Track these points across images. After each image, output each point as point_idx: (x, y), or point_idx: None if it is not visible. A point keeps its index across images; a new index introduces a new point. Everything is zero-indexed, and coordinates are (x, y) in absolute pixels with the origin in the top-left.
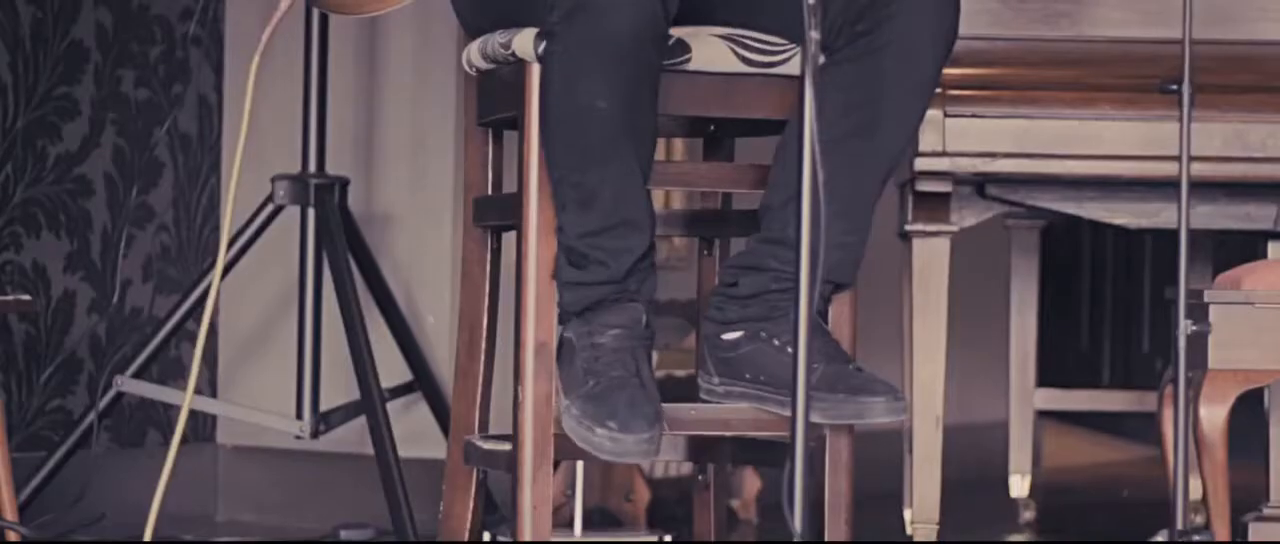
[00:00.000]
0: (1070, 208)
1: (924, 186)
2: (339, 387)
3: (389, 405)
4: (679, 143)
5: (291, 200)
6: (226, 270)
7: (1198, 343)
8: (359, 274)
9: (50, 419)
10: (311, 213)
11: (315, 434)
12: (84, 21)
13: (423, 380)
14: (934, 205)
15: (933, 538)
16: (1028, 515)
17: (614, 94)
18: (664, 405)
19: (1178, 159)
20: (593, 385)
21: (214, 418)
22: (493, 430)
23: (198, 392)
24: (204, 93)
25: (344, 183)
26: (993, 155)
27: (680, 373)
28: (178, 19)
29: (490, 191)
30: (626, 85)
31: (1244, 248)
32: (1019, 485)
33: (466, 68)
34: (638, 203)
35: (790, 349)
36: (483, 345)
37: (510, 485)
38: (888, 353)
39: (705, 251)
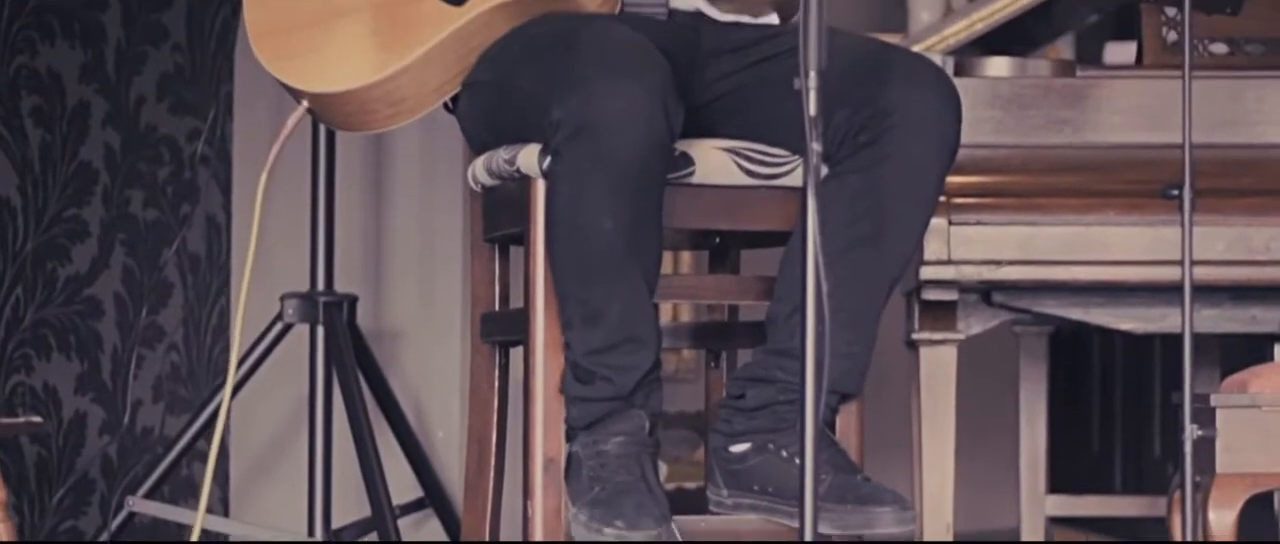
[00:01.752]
0: (1077, 314)
1: (930, 295)
2: (350, 503)
3: (400, 522)
4: (685, 255)
5: (300, 318)
6: (237, 389)
7: (1205, 447)
8: (368, 390)
9: (64, 540)
10: (320, 330)
11: None
12: (92, 143)
13: (433, 496)
14: (940, 313)
15: None
16: None
17: (620, 213)
18: (674, 517)
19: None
20: (599, 491)
21: (227, 537)
22: None
23: (210, 511)
24: (212, 212)
25: (352, 300)
26: (998, 263)
27: (690, 485)
28: (185, 139)
29: (497, 307)
30: (632, 204)
31: (1250, 351)
32: None
33: (472, 184)
34: (644, 319)
35: (798, 460)
36: (492, 460)
37: None
38: (896, 462)
39: (712, 363)
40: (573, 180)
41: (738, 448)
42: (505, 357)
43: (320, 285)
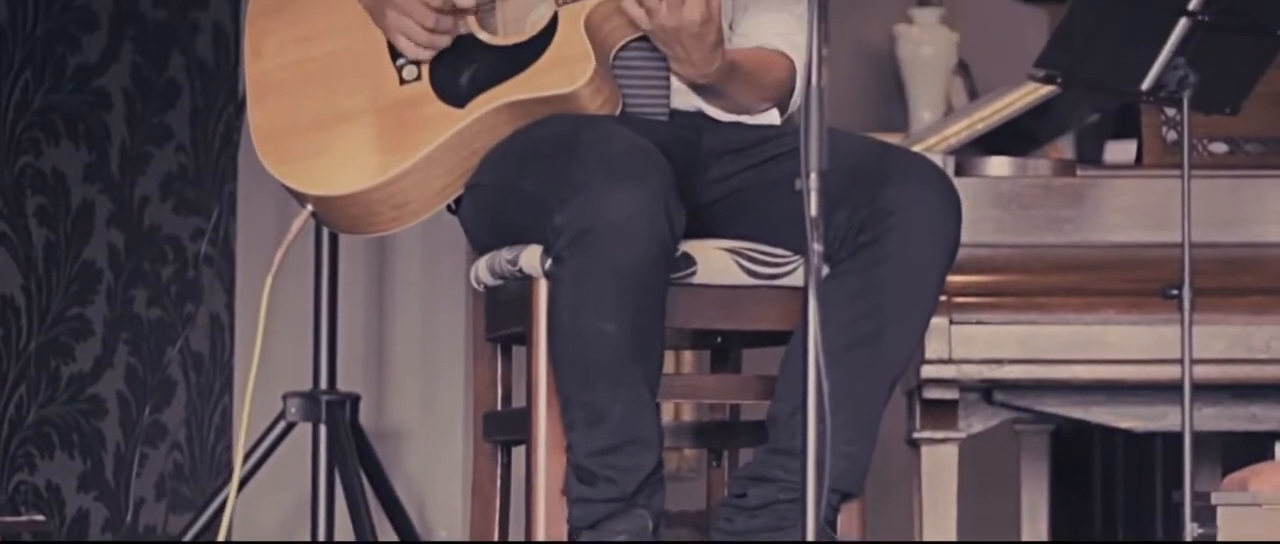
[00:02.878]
0: (1078, 413)
1: (931, 394)
2: None
3: None
4: (686, 354)
5: (303, 417)
6: (240, 487)
7: None
8: (371, 489)
9: None
10: (323, 429)
11: None
12: (96, 242)
13: None
14: (941, 412)
15: None
16: None
17: (623, 317)
18: None
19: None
20: None
21: None
22: None
23: None
24: (216, 311)
25: (355, 399)
26: (999, 362)
27: None
28: (189, 239)
29: (500, 406)
30: (635, 308)
31: (1251, 449)
32: None
33: (474, 284)
34: (646, 421)
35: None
36: None
37: None
38: None
39: (714, 463)
40: (576, 284)
41: None
42: (508, 456)
43: (323, 384)
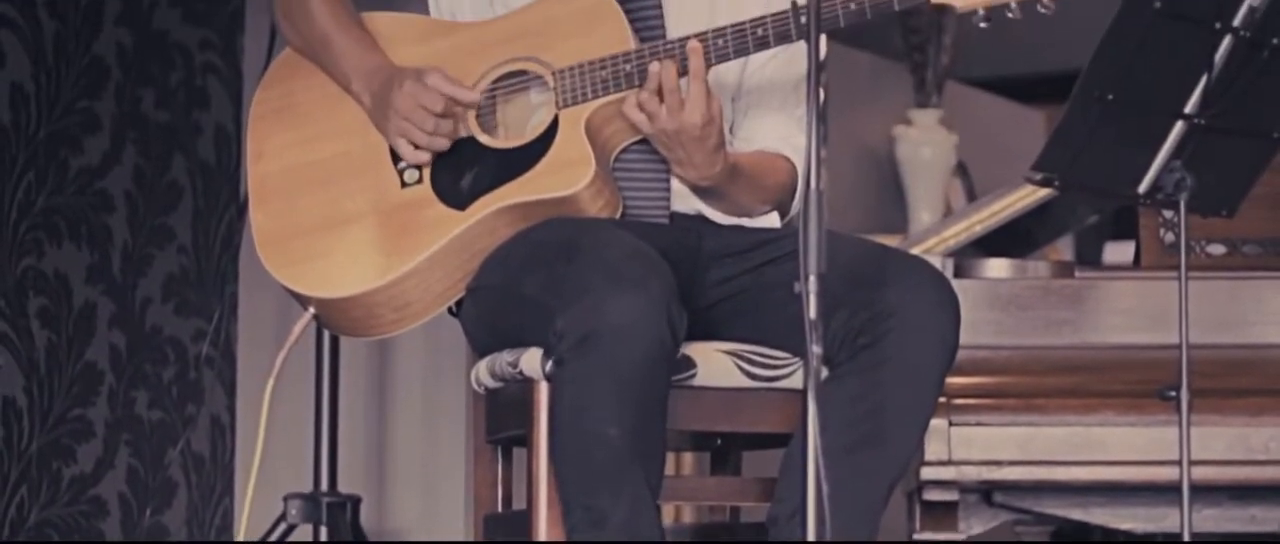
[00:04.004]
0: (1077, 514)
1: (931, 495)
2: None
3: None
4: (687, 456)
5: (304, 519)
6: None
7: None
8: None
9: None
10: (324, 531)
11: None
12: (98, 344)
13: None
14: (941, 514)
15: None
16: None
17: (624, 420)
18: None
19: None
20: None
21: None
22: None
23: None
24: (217, 413)
25: (356, 501)
26: (998, 463)
27: None
28: (190, 340)
29: (500, 508)
30: (636, 411)
31: None
32: None
33: (475, 386)
34: (648, 524)
35: None
36: None
37: None
38: None
39: None
40: (577, 387)
41: None
42: None
43: (324, 486)
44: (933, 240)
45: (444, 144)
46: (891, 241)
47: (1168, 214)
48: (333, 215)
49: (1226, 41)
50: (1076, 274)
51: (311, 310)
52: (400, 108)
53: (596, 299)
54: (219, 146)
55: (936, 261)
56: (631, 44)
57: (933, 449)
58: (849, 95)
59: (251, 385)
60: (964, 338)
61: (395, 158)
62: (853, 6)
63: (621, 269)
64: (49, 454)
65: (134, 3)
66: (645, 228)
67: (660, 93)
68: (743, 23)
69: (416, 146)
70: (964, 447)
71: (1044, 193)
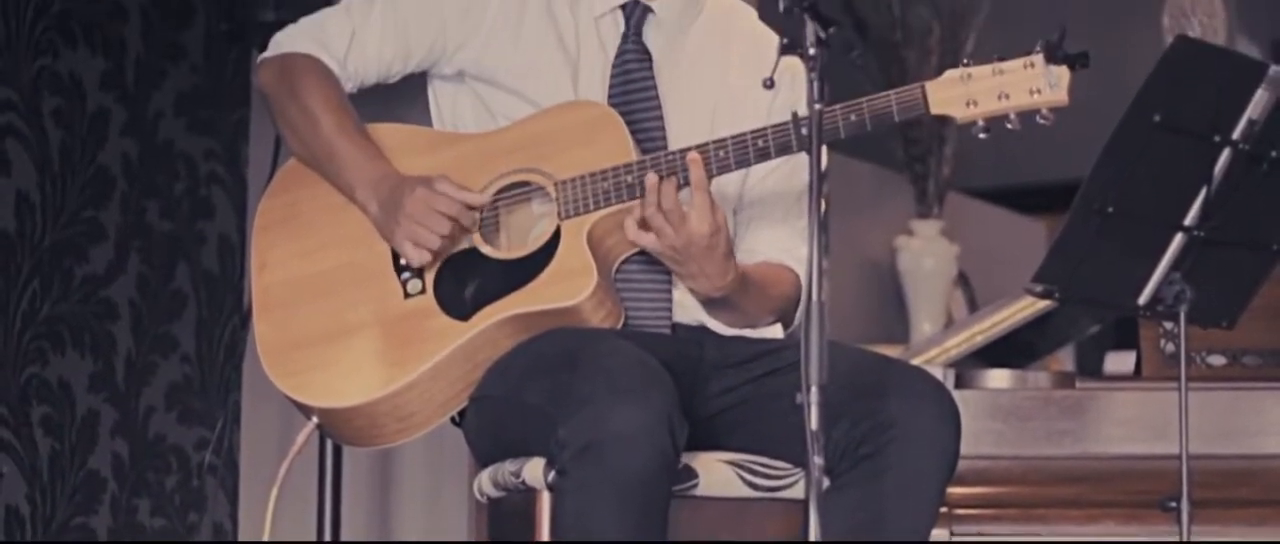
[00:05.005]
0: None
1: None
2: None
3: None
4: None
5: None
6: None
7: None
8: None
9: None
10: None
11: None
12: (101, 452)
13: None
14: None
15: None
16: None
17: (626, 530)
18: None
19: None
20: None
21: None
22: None
23: None
24: (219, 521)
25: None
26: None
27: None
28: (194, 448)
29: None
30: (638, 521)
31: None
32: None
33: (478, 496)
34: None
35: None
36: None
37: None
38: None
39: None
40: (579, 497)
41: None
42: None
43: None
44: (934, 351)
45: (451, 248)
46: (893, 352)
47: (1168, 325)
48: (336, 325)
49: (1225, 154)
50: (1077, 385)
51: (315, 420)
52: (411, 211)
53: (598, 409)
54: (223, 256)
55: (938, 372)
56: (633, 155)
57: None
58: (851, 206)
59: (255, 494)
60: (965, 448)
61: (398, 268)
62: (853, 118)
63: (623, 379)
64: (61, 251)
65: (139, 113)
66: (647, 338)
67: (661, 209)
68: (743, 134)
69: (425, 249)
70: None
71: (1044, 304)
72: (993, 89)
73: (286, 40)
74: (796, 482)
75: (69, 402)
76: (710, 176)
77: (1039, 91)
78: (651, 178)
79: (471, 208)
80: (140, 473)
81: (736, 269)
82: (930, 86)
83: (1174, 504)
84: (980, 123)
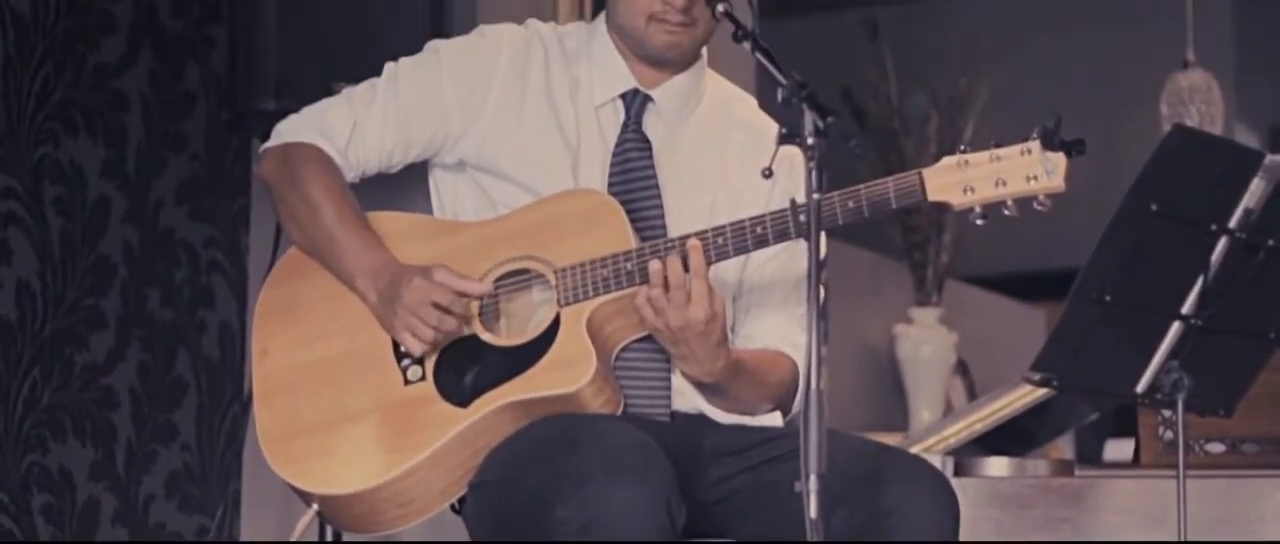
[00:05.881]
0: None
1: None
2: None
3: None
4: None
5: None
6: None
7: None
8: None
9: None
10: None
11: None
12: (101, 539)
13: None
14: None
15: None
16: None
17: None
18: None
19: None
20: None
21: None
22: None
23: None
24: None
25: None
26: None
27: None
28: (194, 535)
29: None
30: None
31: None
32: None
33: None
34: None
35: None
36: None
37: None
38: None
39: None
40: None
41: None
42: None
43: None
44: (933, 439)
45: (450, 338)
46: (892, 440)
47: (1167, 413)
48: (336, 413)
49: (1222, 243)
50: (1076, 472)
51: (315, 507)
52: (409, 302)
53: (597, 488)
54: (223, 344)
55: (937, 460)
56: (632, 242)
57: None
58: (850, 293)
59: None
60: (964, 536)
61: (398, 355)
62: (851, 205)
63: (622, 459)
64: (62, 339)
65: (140, 201)
66: (646, 424)
67: (666, 287)
68: (742, 221)
69: (423, 340)
70: None
71: (1043, 392)
72: (990, 176)
73: (289, 129)
74: None
75: (69, 489)
76: (709, 263)
77: (1036, 178)
78: (654, 263)
79: (470, 297)
80: None
81: (728, 356)
82: (927, 173)
83: None
84: (977, 209)
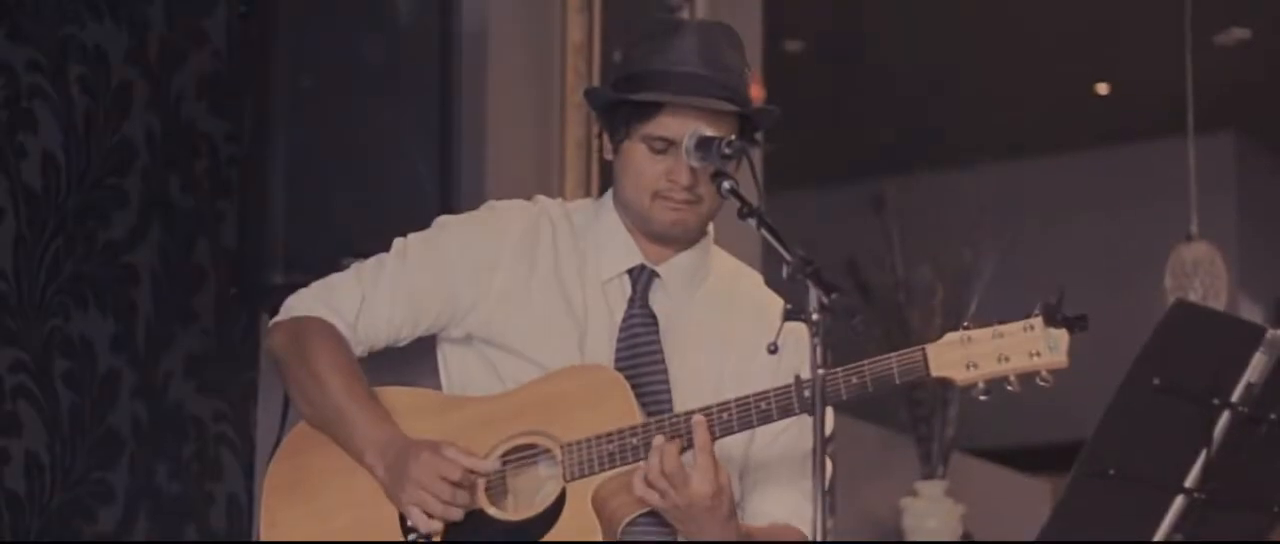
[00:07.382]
0: None
1: None
2: None
3: None
4: None
5: None
6: None
7: None
8: None
9: None
10: None
11: None
12: None
13: None
14: None
15: None
16: None
17: None
18: None
19: None
20: None
21: None
22: None
23: None
24: None
25: None
26: None
27: None
28: None
29: None
30: None
31: None
32: None
33: None
34: None
35: None
36: None
37: None
38: None
39: None
40: None
41: None
42: None
43: None
44: None
45: (458, 514)
46: None
47: None
48: None
49: (1225, 417)
50: None
51: None
52: (417, 478)
53: None
54: (231, 517)
55: None
56: (638, 418)
57: None
58: (856, 467)
59: None
60: None
61: (405, 530)
62: (855, 380)
63: None
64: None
65: (149, 375)
66: None
67: (664, 472)
68: (747, 397)
69: (431, 516)
70: None
71: None
72: (993, 352)
73: (298, 304)
74: None
75: None
76: (714, 438)
77: (1038, 354)
78: (658, 439)
79: (477, 474)
80: None
81: (737, 532)
82: (931, 350)
83: None
84: (981, 385)
